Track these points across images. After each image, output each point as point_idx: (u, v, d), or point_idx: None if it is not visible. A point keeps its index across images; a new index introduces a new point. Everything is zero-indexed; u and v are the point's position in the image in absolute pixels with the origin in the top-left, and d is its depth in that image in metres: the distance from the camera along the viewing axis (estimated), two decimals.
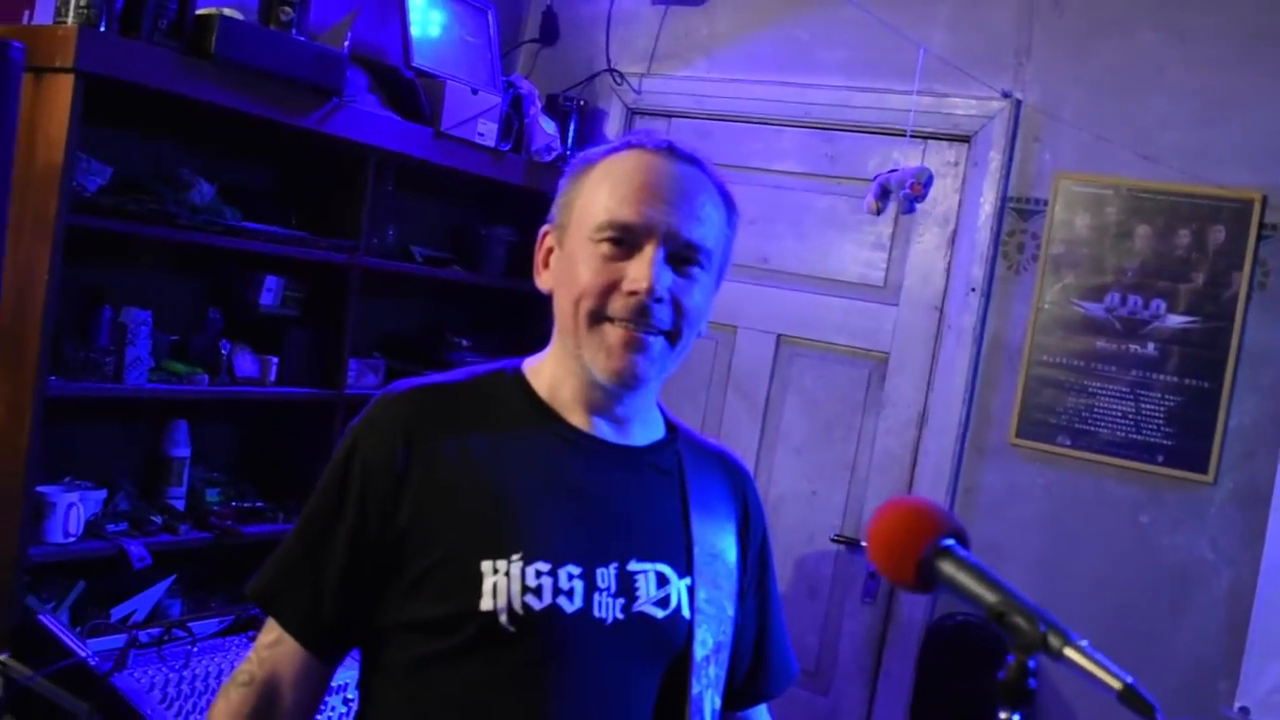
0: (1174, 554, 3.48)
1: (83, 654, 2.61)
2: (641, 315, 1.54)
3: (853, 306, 4.02)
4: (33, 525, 2.97)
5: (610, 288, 1.55)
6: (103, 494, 3.22)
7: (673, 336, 1.58)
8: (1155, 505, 3.51)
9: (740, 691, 1.80)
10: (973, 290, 3.76)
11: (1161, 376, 3.49)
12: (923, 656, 3.72)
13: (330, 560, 1.57)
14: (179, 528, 3.28)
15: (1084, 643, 1.13)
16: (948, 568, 1.24)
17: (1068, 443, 3.61)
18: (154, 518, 3.26)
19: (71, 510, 3.02)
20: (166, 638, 2.74)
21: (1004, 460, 3.72)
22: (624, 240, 1.56)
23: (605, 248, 1.56)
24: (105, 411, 3.37)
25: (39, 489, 2.99)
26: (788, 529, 4.04)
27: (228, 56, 3.08)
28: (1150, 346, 3.51)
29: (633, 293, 1.54)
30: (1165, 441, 3.49)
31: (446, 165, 3.83)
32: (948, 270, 3.86)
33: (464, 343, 4.16)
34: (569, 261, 1.61)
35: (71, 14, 2.85)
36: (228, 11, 3.15)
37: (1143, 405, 3.52)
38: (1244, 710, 3.30)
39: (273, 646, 1.61)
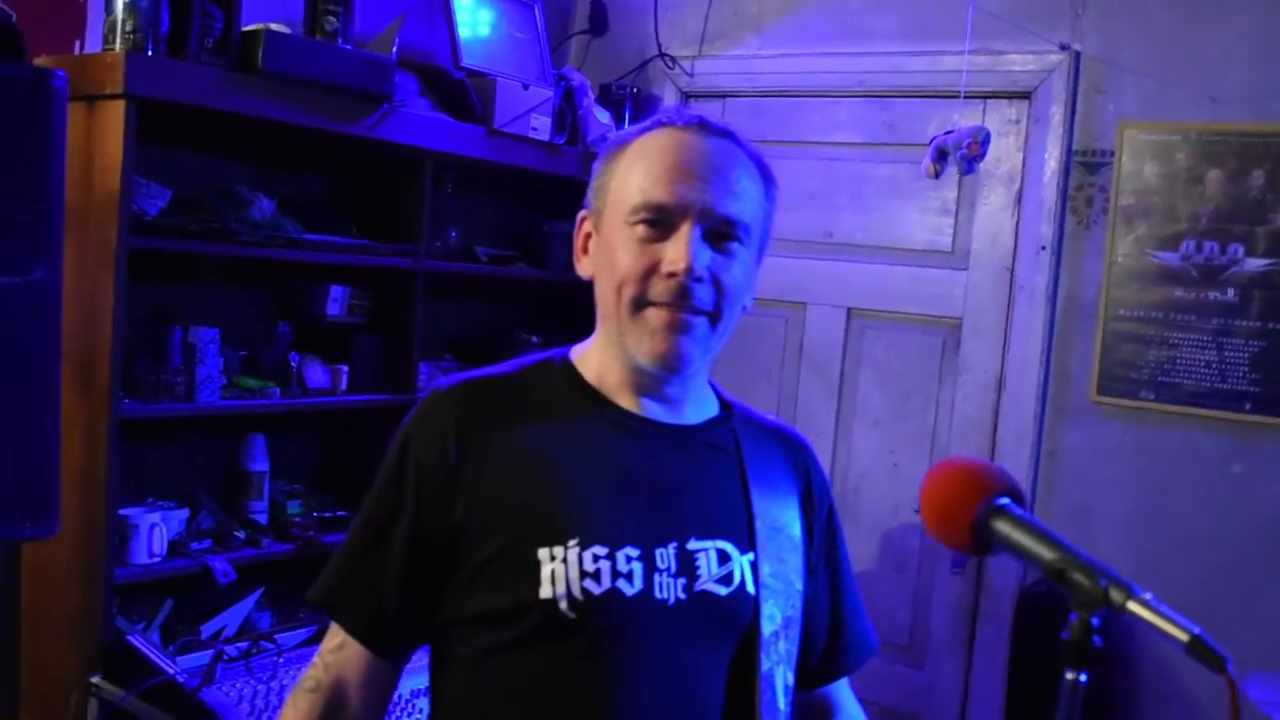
0: (1271, 503, 3.38)
1: (171, 671, 2.65)
2: (683, 296, 1.53)
3: (922, 274, 3.96)
4: (118, 547, 3.00)
5: (650, 271, 1.54)
6: (185, 513, 3.26)
7: (714, 317, 1.57)
8: (1248, 454, 3.42)
9: (818, 668, 1.78)
10: (1043, 249, 3.68)
11: (1244, 322, 3.40)
12: (1016, 624, 3.67)
13: (390, 560, 1.57)
14: (262, 541, 3.31)
15: (1148, 595, 1.10)
16: (1003, 527, 1.21)
17: (1151, 397, 3.53)
18: (237, 533, 3.29)
19: (154, 531, 3.06)
20: (254, 650, 2.77)
21: (1086, 419, 3.64)
22: (660, 221, 1.54)
23: (641, 230, 1.55)
24: (182, 431, 3.40)
25: (121, 512, 3.02)
26: (871, 504, 4.00)
27: (275, 70, 3.09)
28: (1230, 292, 3.42)
29: (672, 274, 1.52)
30: (1252, 388, 3.39)
31: (502, 162, 3.83)
32: (1016, 230, 3.79)
33: (533, 339, 4.15)
34: (607, 246, 1.59)
35: (119, 40, 2.88)
36: (274, 26, 3.16)
37: (1226, 353, 3.42)
38: None
39: (337, 651, 1.61)
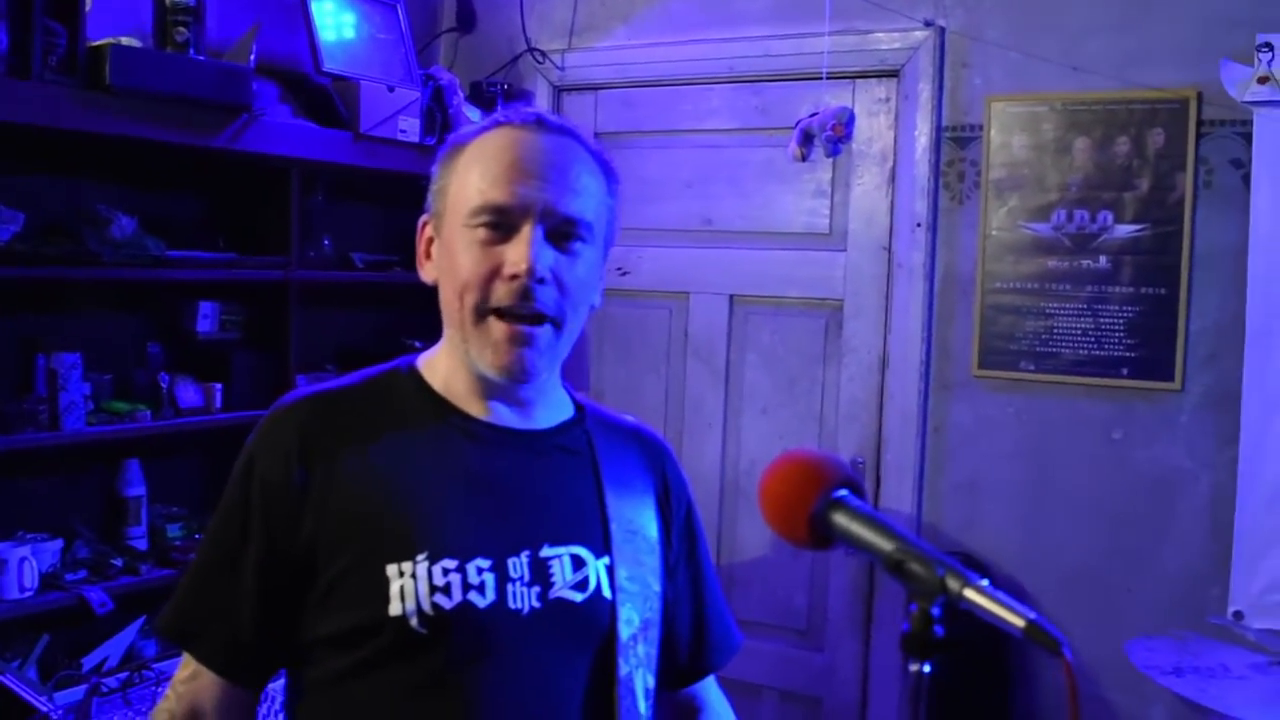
0: (1151, 466, 3.43)
1: (44, 709, 2.56)
2: (525, 299, 1.49)
3: (802, 257, 3.96)
4: None
5: (491, 275, 1.50)
6: (59, 544, 3.16)
7: (557, 322, 1.54)
8: (1127, 419, 3.46)
9: (685, 667, 1.77)
10: (918, 225, 3.70)
11: (1117, 288, 3.44)
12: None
13: (240, 586, 1.52)
14: (140, 568, 3.23)
15: (984, 583, 1.09)
16: (841, 520, 1.19)
17: (1031, 368, 3.56)
18: (114, 561, 3.21)
19: (24, 564, 2.97)
20: (132, 681, 2.70)
21: (970, 393, 3.67)
22: (500, 223, 1.51)
23: (482, 233, 1.51)
24: (53, 460, 3.30)
25: None
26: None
27: (125, 85, 3.01)
28: (1102, 260, 3.45)
29: (514, 276, 1.49)
30: (1129, 354, 3.43)
31: (372, 167, 3.77)
32: (891, 209, 3.80)
33: (418, 344, 4.08)
34: (448, 250, 1.56)
35: None
36: (123, 40, 3.08)
37: (1101, 320, 3.46)
38: (1238, 614, 3.25)
39: (190, 680, 1.56)
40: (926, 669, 1.09)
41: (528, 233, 1.50)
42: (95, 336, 3.35)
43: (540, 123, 1.58)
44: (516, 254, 1.49)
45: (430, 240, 1.64)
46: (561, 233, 1.53)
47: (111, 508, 3.40)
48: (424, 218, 1.65)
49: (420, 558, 1.47)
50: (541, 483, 1.61)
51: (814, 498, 1.20)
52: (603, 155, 1.63)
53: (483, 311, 1.51)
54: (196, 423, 3.43)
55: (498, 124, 1.59)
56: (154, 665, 2.77)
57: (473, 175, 1.54)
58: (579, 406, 1.73)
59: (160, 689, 2.68)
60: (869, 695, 3.85)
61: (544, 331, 1.52)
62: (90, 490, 3.40)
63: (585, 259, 1.56)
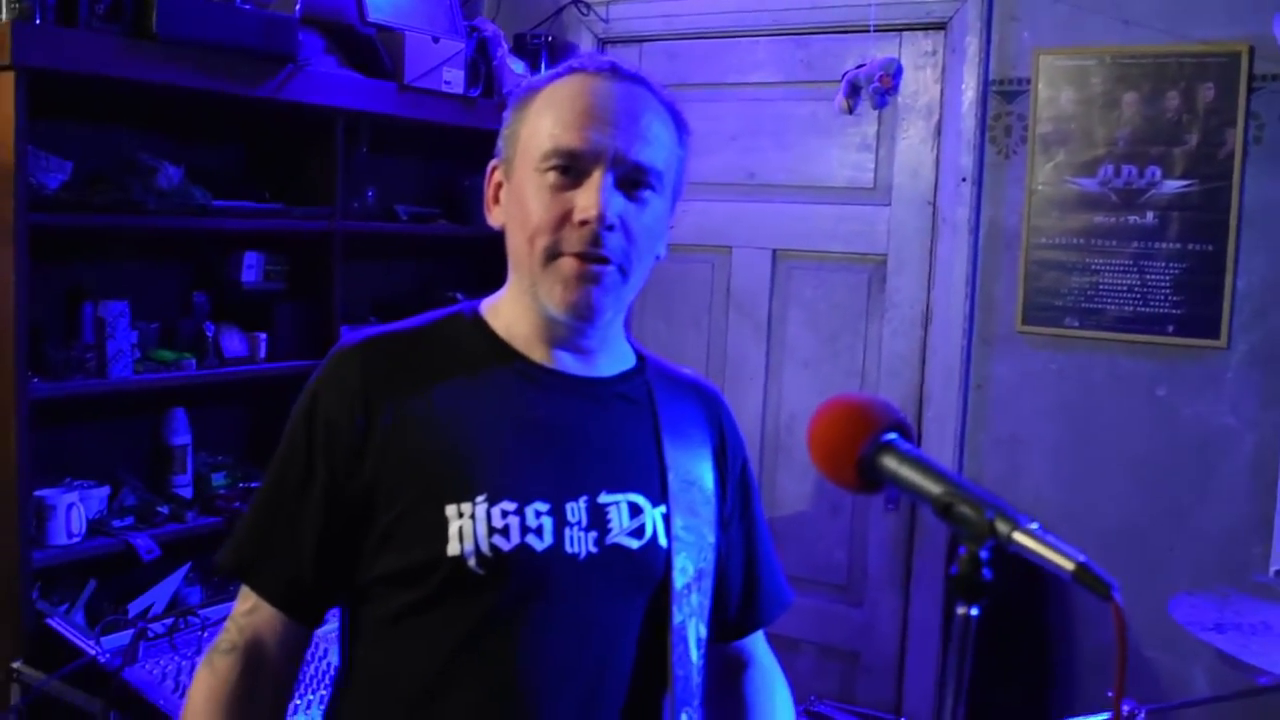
0: (1195, 424, 3.41)
1: (92, 652, 2.61)
2: (594, 244, 1.50)
3: (845, 212, 3.94)
4: (36, 530, 2.95)
5: (562, 220, 1.51)
6: (105, 491, 3.21)
7: (623, 269, 1.54)
8: (1171, 376, 3.44)
9: (734, 621, 1.78)
10: (964, 180, 3.67)
11: (1164, 245, 3.40)
12: (951, 556, 3.68)
13: (304, 524, 1.54)
14: (186, 515, 3.27)
15: (1034, 525, 1.08)
16: (890, 463, 1.19)
17: (1075, 324, 3.53)
18: (160, 508, 3.25)
19: (72, 510, 3.01)
20: (177, 627, 2.73)
21: (1013, 349, 3.65)
22: (571, 168, 1.51)
23: (552, 177, 1.52)
24: (99, 408, 3.34)
25: (37, 493, 2.97)
26: (804, 446, 3.97)
27: (171, 34, 3.01)
28: (1149, 215, 3.42)
29: (584, 222, 1.49)
30: (1174, 311, 3.40)
31: (416, 118, 3.77)
32: (936, 163, 3.77)
33: (459, 297, 4.11)
34: (518, 195, 1.56)
35: (4, 10, 2.78)
36: None
37: (1148, 276, 3.43)
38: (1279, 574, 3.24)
39: (250, 614, 1.58)
40: (975, 612, 1.09)
41: (598, 179, 1.50)
42: (141, 285, 3.38)
43: (615, 70, 1.58)
44: (587, 200, 1.49)
45: (499, 185, 1.63)
46: (631, 180, 1.53)
47: (157, 456, 3.43)
48: (493, 162, 1.65)
49: (479, 499, 1.48)
50: (601, 430, 1.61)
51: (863, 441, 1.20)
52: (675, 106, 1.62)
53: (552, 254, 1.52)
54: (241, 372, 3.46)
55: (571, 70, 1.59)
56: (200, 611, 2.81)
57: (545, 120, 1.54)
58: (640, 357, 1.74)
59: (206, 634, 2.71)
60: (907, 650, 3.86)
61: (610, 272, 1.53)
62: (136, 438, 3.44)
63: (653, 208, 1.56)
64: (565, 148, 1.51)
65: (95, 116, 3.29)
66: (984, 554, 1.09)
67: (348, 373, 1.56)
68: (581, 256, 1.51)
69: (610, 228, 1.50)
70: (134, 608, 3.16)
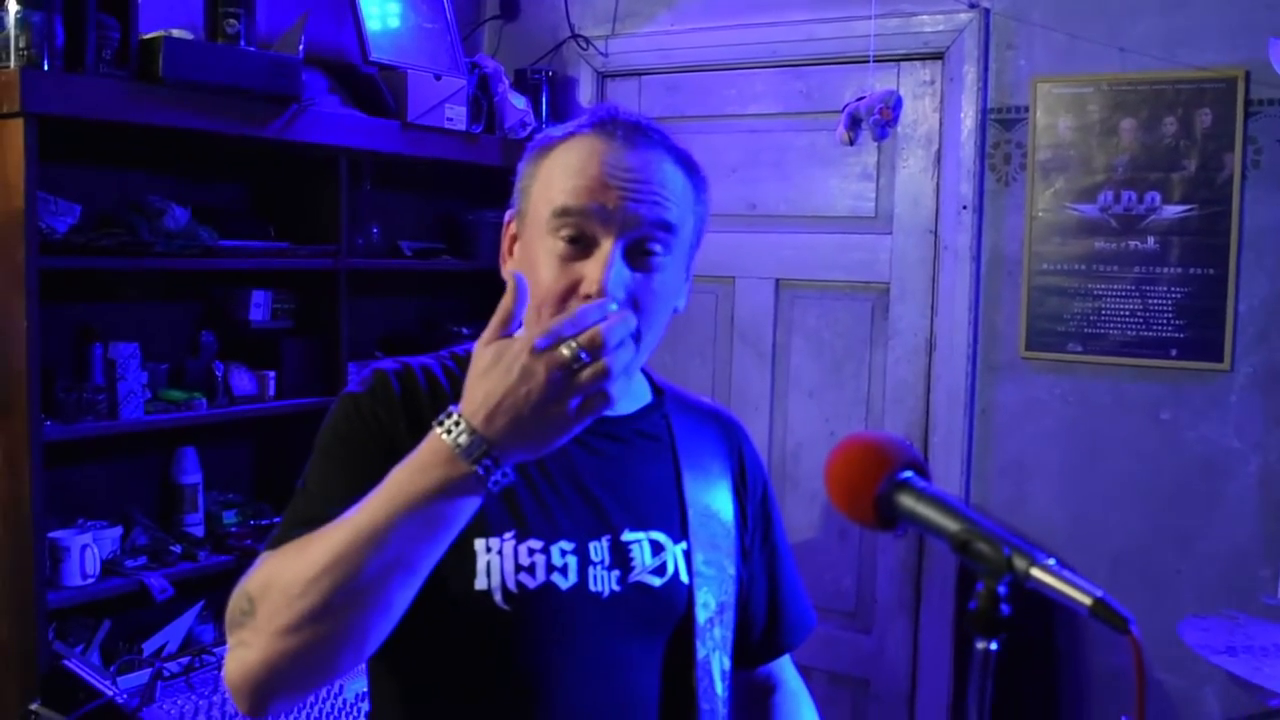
0: (1200, 447, 3.42)
1: (110, 693, 2.61)
2: None
3: (847, 241, 3.97)
4: (50, 571, 2.97)
5: (568, 292, 1.49)
6: (118, 531, 3.23)
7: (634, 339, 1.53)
8: (1175, 400, 3.46)
9: (759, 647, 1.80)
10: (964, 208, 3.70)
11: (1165, 269, 3.43)
12: (961, 582, 3.69)
13: (338, 503, 1.44)
14: (198, 554, 3.29)
15: (1051, 561, 1.10)
16: (907, 501, 1.20)
17: (1079, 349, 3.56)
18: (173, 547, 3.26)
19: (86, 551, 3.02)
20: (193, 666, 2.74)
21: (1017, 375, 3.67)
22: (580, 239, 1.49)
23: (561, 246, 1.50)
24: (110, 449, 3.36)
25: (51, 535, 2.99)
26: (810, 474, 4.01)
27: (178, 77, 3.05)
28: (1150, 240, 3.45)
29: (588, 296, 1.47)
30: (1177, 334, 3.42)
31: (419, 155, 3.80)
32: (937, 191, 3.80)
33: (465, 331, 4.13)
34: (529, 255, 1.55)
35: (13, 58, 2.82)
36: (174, 32, 3.12)
37: (1150, 301, 3.45)
38: None
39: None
40: (994, 646, 1.11)
41: (605, 250, 1.48)
42: (150, 326, 3.41)
43: (629, 128, 1.55)
44: (593, 273, 1.47)
45: (514, 238, 1.63)
46: (640, 248, 1.51)
47: (167, 495, 3.46)
48: (509, 213, 1.64)
49: (508, 536, 1.50)
50: (622, 469, 1.63)
51: (880, 479, 1.21)
52: (690, 159, 1.61)
53: None
54: (251, 410, 3.48)
55: (583, 129, 1.57)
56: (215, 650, 2.82)
57: (554, 179, 1.53)
58: (658, 390, 1.75)
59: (222, 673, 2.72)
60: (918, 677, 3.87)
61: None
62: (147, 478, 3.47)
63: (665, 271, 1.54)
64: (574, 209, 1.49)
65: (102, 159, 3.33)
66: (1002, 590, 1.10)
67: (388, 386, 1.55)
68: None
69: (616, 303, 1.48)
70: (148, 647, 3.17)
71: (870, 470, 1.22)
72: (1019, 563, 1.10)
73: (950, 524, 1.16)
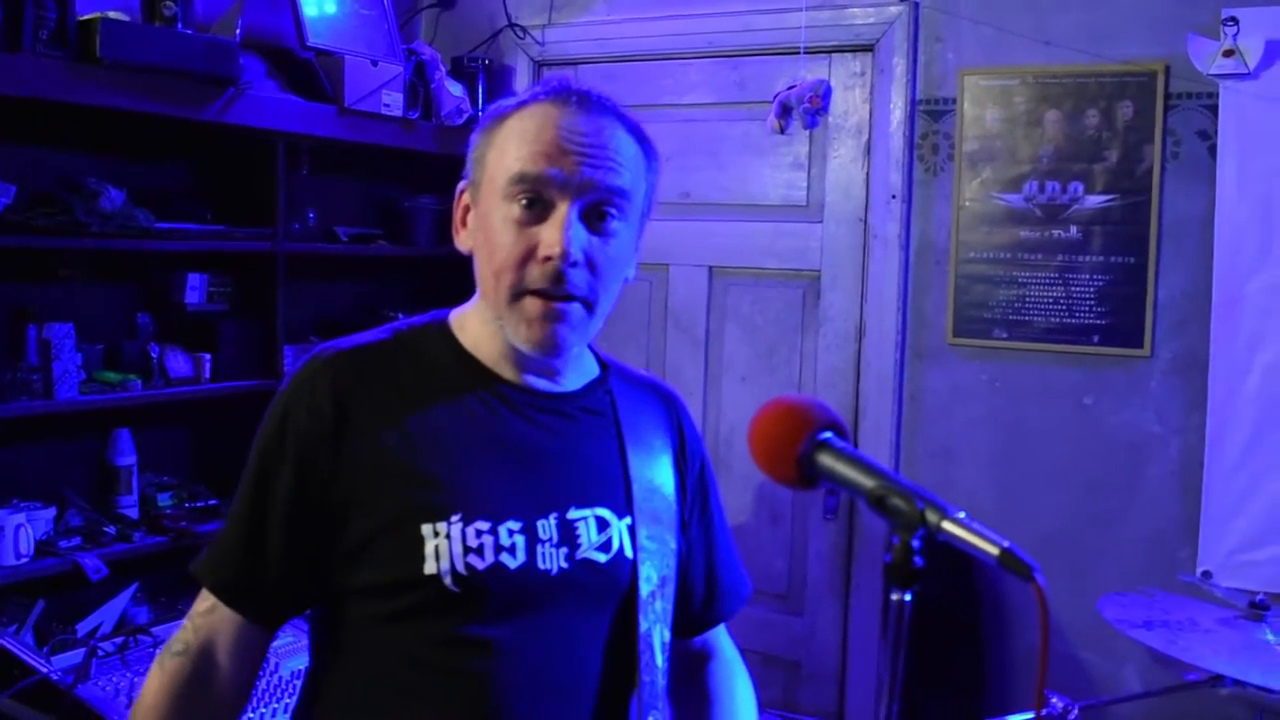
0: (1122, 431, 3.52)
1: (44, 670, 2.62)
2: (558, 282, 1.53)
3: (780, 229, 4.03)
4: None
5: (526, 256, 1.53)
6: (52, 511, 3.22)
7: (589, 303, 1.57)
8: (1097, 385, 3.55)
9: (697, 617, 1.84)
10: (893, 197, 3.77)
11: (1087, 258, 3.52)
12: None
13: (271, 529, 1.56)
14: (133, 536, 3.29)
15: (961, 514, 1.15)
16: (826, 459, 1.26)
17: (1004, 335, 3.64)
18: (107, 529, 3.26)
19: (20, 531, 3.03)
20: (128, 645, 2.75)
21: (944, 361, 3.75)
22: (536, 201, 1.54)
23: (518, 210, 1.54)
24: (45, 429, 3.35)
25: None
26: (743, 457, 4.04)
27: (115, 58, 3.06)
28: (1073, 230, 3.53)
29: (548, 258, 1.52)
30: (1099, 321, 3.51)
31: (356, 141, 3.82)
32: (867, 181, 3.87)
33: (400, 316, 4.14)
34: (484, 222, 1.59)
35: None
36: (111, 14, 3.12)
37: (1072, 288, 3.54)
38: (1206, 574, 3.35)
39: (207, 614, 1.59)
40: (908, 598, 1.16)
41: (562, 213, 1.52)
42: (86, 307, 3.40)
43: (581, 97, 1.59)
44: (551, 236, 1.52)
45: (467, 209, 1.66)
46: (597, 212, 1.55)
47: (102, 477, 3.45)
48: (461, 185, 1.67)
49: (454, 519, 1.52)
50: (568, 446, 1.65)
51: (801, 439, 1.26)
52: (641, 129, 1.65)
53: (518, 292, 1.54)
54: (186, 392, 3.49)
55: (537, 98, 1.60)
56: (151, 630, 2.83)
57: (511, 146, 1.56)
58: (603, 365, 1.78)
59: (158, 650, 2.73)
60: (848, 658, 3.94)
61: (575, 309, 1.55)
62: (81, 459, 3.46)
63: (619, 238, 1.58)
64: (531, 174, 1.53)
65: (39, 139, 3.32)
66: (915, 543, 1.16)
67: (320, 385, 1.58)
68: (546, 295, 1.53)
69: (574, 264, 1.52)
70: (82, 628, 3.17)
71: (792, 431, 1.28)
72: (931, 516, 1.15)
73: (867, 480, 1.22)
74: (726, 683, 1.90)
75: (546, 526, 1.58)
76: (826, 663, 3.99)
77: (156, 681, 1.59)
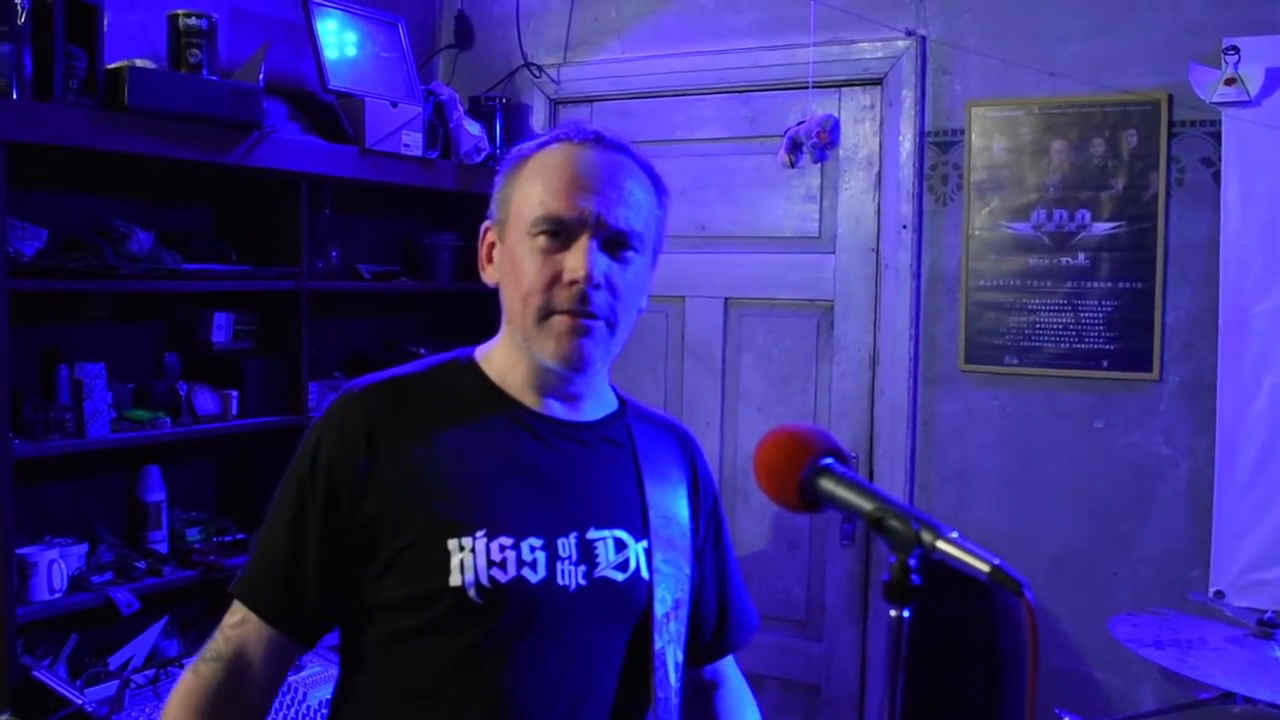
0: (1132, 453, 3.57)
1: (80, 702, 2.69)
2: (583, 302, 1.64)
3: (793, 260, 4.11)
4: (18, 586, 3.04)
5: (553, 280, 1.64)
6: (84, 547, 3.29)
7: (610, 323, 1.68)
8: (1107, 409, 3.60)
9: (709, 646, 1.92)
10: (904, 227, 3.84)
11: (1096, 284, 3.58)
12: None
13: (305, 551, 1.65)
14: (163, 570, 3.35)
15: (954, 534, 1.21)
16: (827, 485, 1.32)
17: (1015, 361, 3.70)
18: (138, 564, 3.33)
19: (54, 567, 3.09)
20: (159, 678, 2.83)
21: (956, 387, 3.81)
22: (559, 233, 1.65)
23: (543, 241, 1.65)
24: (77, 467, 3.43)
25: (19, 551, 3.05)
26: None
27: (143, 105, 3.14)
28: (1081, 256, 3.60)
29: (573, 282, 1.63)
30: (1108, 346, 3.57)
31: (377, 180, 3.90)
32: (878, 211, 3.94)
33: (422, 351, 4.22)
34: (511, 256, 1.70)
35: None
36: (138, 62, 3.21)
37: (1082, 314, 3.60)
38: (1219, 594, 3.39)
39: (239, 626, 1.67)
40: (906, 614, 1.22)
41: (584, 242, 1.64)
42: (116, 347, 3.48)
43: (598, 139, 1.72)
44: (575, 262, 1.63)
45: (492, 245, 1.77)
46: (614, 243, 1.67)
47: (132, 513, 3.52)
48: (486, 224, 1.79)
49: (479, 534, 1.61)
50: (588, 471, 1.75)
51: (803, 465, 1.33)
52: (653, 169, 1.77)
53: (545, 313, 1.65)
54: (214, 429, 3.55)
55: (558, 140, 1.73)
56: (182, 662, 2.90)
57: (535, 187, 1.68)
58: (621, 401, 1.88)
59: None
60: (866, 683, 3.98)
61: (599, 326, 1.66)
62: (112, 496, 3.53)
63: (635, 266, 1.70)
64: (554, 214, 1.65)
65: (69, 185, 3.40)
66: (912, 561, 1.22)
67: (352, 418, 1.68)
68: (572, 313, 1.64)
69: (597, 286, 1.64)
70: (114, 660, 3.24)
71: (795, 457, 1.34)
72: (926, 536, 1.22)
73: (865, 504, 1.29)
74: (735, 710, 1.98)
75: (567, 545, 1.66)
76: (846, 687, 4.03)
77: (186, 684, 1.66)
